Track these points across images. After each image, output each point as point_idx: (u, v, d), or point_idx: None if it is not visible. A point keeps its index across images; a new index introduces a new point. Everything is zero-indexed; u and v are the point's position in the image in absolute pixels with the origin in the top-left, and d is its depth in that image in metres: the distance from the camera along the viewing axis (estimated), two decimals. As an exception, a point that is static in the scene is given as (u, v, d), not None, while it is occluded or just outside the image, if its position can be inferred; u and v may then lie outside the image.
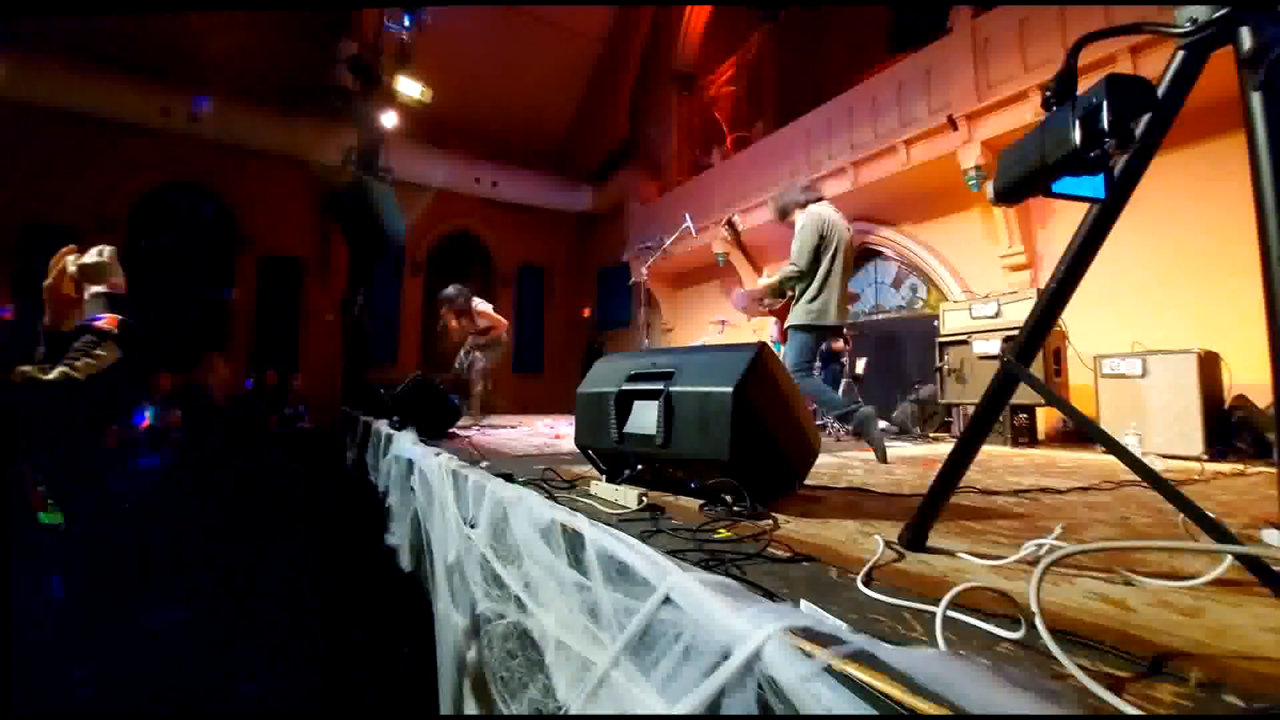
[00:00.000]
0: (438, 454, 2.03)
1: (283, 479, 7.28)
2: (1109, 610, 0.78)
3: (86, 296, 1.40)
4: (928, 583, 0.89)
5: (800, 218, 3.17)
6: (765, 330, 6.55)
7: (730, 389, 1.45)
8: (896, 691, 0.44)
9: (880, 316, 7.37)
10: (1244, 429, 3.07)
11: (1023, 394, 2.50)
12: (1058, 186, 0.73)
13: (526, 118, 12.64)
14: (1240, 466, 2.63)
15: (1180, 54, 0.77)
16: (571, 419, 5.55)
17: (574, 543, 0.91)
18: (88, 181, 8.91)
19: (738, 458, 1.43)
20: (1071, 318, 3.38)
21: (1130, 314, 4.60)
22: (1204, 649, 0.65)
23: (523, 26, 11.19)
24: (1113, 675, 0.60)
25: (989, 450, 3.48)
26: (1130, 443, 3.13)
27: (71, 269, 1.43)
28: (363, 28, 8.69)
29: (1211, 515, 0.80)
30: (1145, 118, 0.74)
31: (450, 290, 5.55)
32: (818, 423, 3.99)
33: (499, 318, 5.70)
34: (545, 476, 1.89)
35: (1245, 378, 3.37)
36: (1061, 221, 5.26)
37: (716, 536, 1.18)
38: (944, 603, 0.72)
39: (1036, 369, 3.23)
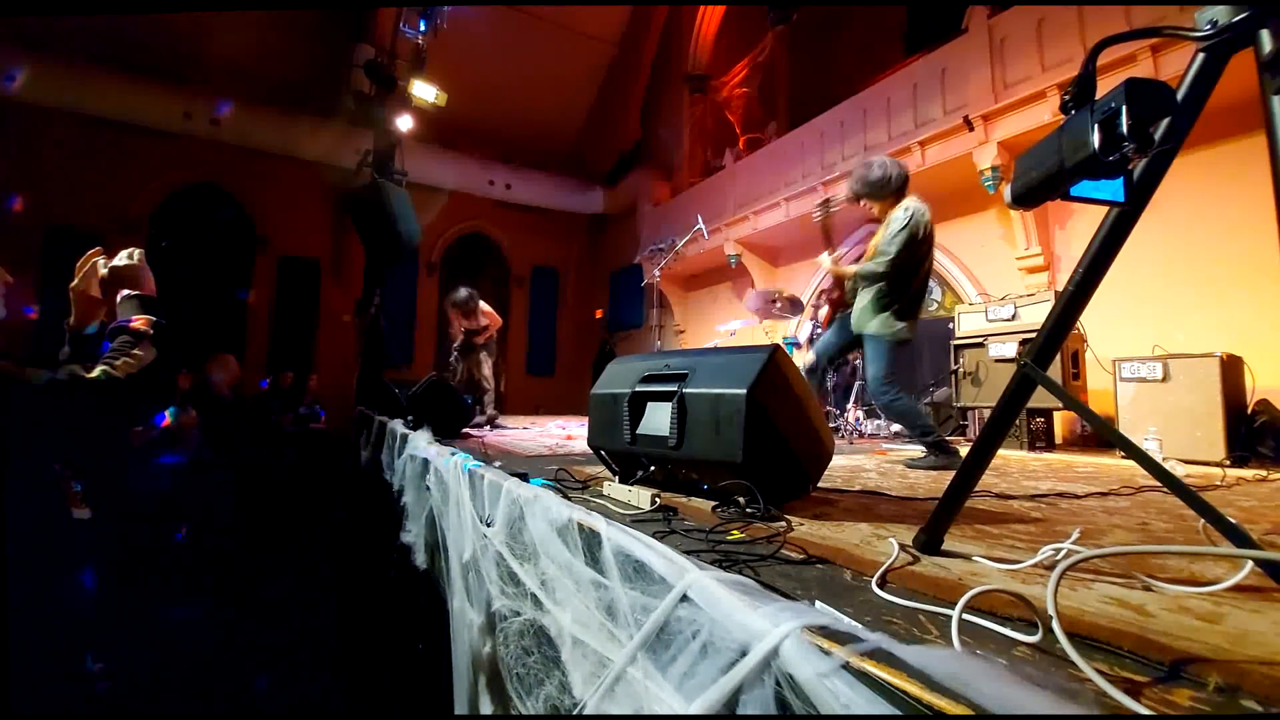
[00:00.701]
0: (453, 453, 2.05)
1: (297, 477, 7.37)
2: (1127, 615, 0.77)
3: (119, 299, 1.43)
4: (943, 586, 0.88)
5: (901, 214, 2.78)
6: (776, 334, 6.53)
7: (744, 391, 1.45)
8: (914, 689, 0.44)
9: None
10: (1267, 434, 3.01)
11: (1040, 398, 2.48)
12: (1076, 190, 0.73)
13: (540, 120, 12.71)
14: (1263, 472, 2.58)
15: (1200, 57, 0.77)
16: (583, 420, 5.59)
17: (590, 541, 0.93)
18: (110, 184, 9.10)
19: (751, 460, 1.44)
20: (1090, 321, 3.35)
21: (1150, 317, 4.53)
22: (1223, 654, 0.65)
23: (536, 30, 11.27)
24: (1130, 680, 0.60)
25: (1005, 454, 3.44)
26: (1150, 448, 3.09)
27: (102, 271, 1.46)
28: (378, 33, 8.80)
29: (1233, 520, 0.80)
30: (1165, 121, 0.74)
31: (463, 293, 5.62)
32: (831, 425, 3.97)
33: (496, 316, 5.85)
34: (558, 477, 1.91)
35: (1268, 382, 3.31)
36: (1080, 222, 5.19)
37: (730, 538, 1.19)
38: (960, 605, 0.72)
39: (1054, 372, 3.16)
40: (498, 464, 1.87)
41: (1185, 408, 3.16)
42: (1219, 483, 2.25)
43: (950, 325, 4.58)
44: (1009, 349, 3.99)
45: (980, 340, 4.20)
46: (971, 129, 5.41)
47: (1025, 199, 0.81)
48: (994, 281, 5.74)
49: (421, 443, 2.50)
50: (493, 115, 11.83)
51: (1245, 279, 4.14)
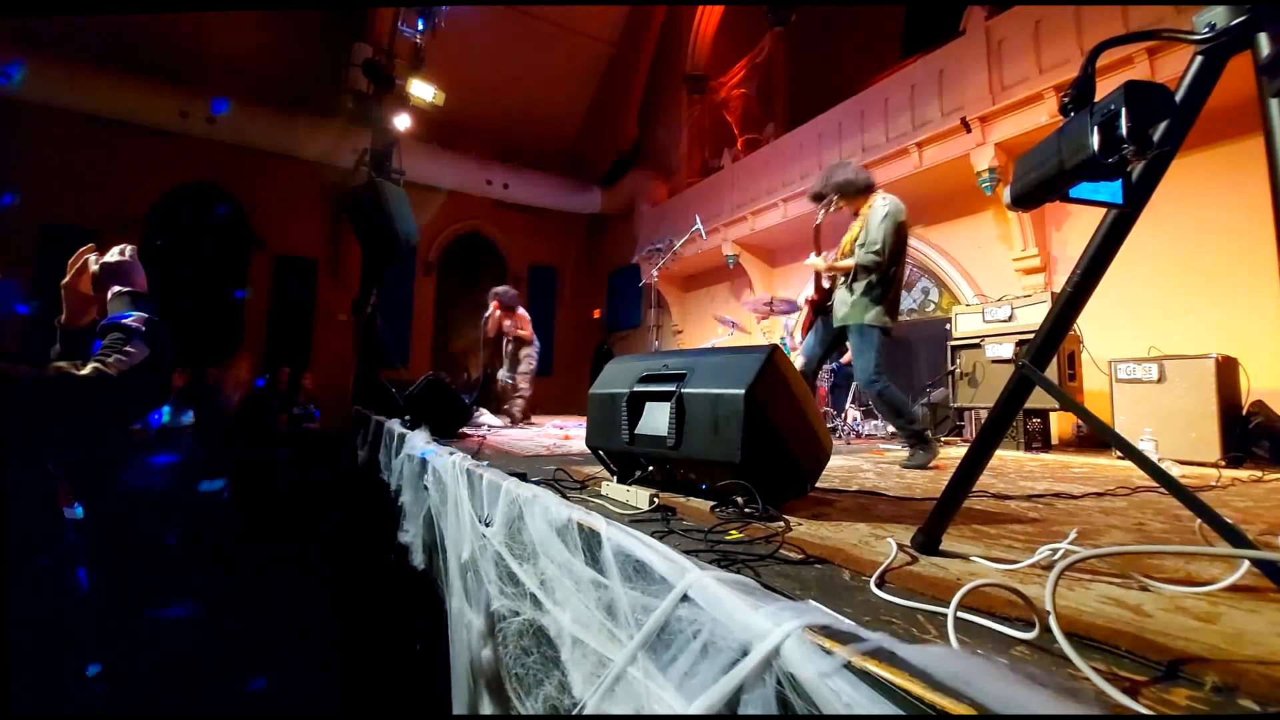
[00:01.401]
0: (451, 453, 2.05)
1: (293, 477, 7.36)
2: (1124, 615, 0.78)
3: (110, 295, 1.42)
4: (941, 586, 0.89)
5: (880, 203, 2.88)
6: (774, 333, 6.54)
7: (742, 391, 1.45)
8: (916, 688, 0.45)
9: (891, 319, 7.32)
10: (1262, 435, 3.03)
11: (1036, 399, 2.49)
12: (1075, 192, 0.73)
13: (538, 120, 12.70)
14: (1258, 473, 2.60)
15: (1198, 59, 0.77)
16: (580, 420, 5.58)
17: (590, 541, 0.93)
18: (106, 182, 9.07)
19: (749, 460, 1.44)
20: (1086, 322, 3.36)
21: (1146, 318, 4.55)
22: (1220, 654, 0.65)
23: (534, 29, 11.26)
24: (1128, 679, 0.60)
25: (1001, 455, 3.45)
26: (1146, 448, 3.10)
27: (93, 267, 1.45)
28: (376, 31, 8.78)
29: (1229, 521, 0.80)
30: (1163, 123, 0.74)
31: (510, 289, 5.90)
32: (829, 425, 3.97)
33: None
34: (556, 477, 1.90)
35: (1263, 383, 3.33)
36: (1076, 224, 5.21)
37: (728, 538, 1.19)
38: (955, 600, 0.72)
39: (1050, 373, 3.17)
40: (486, 464, 1.87)
41: (1181, 409, 3.18)
42: (1214, 483, 2.26)
43: (947, 326, 4.59)
44: (1006, 350, 4.00)
45: (977, 341, 4.21)
46: (969, 130, 5.43)
47: (1025, 200, 0.81)
48: (991, 282, 5.76)
49: (419, 442, 2.50)
50: (491, 115, 11.82)
51: (1241, 281, 4.16)
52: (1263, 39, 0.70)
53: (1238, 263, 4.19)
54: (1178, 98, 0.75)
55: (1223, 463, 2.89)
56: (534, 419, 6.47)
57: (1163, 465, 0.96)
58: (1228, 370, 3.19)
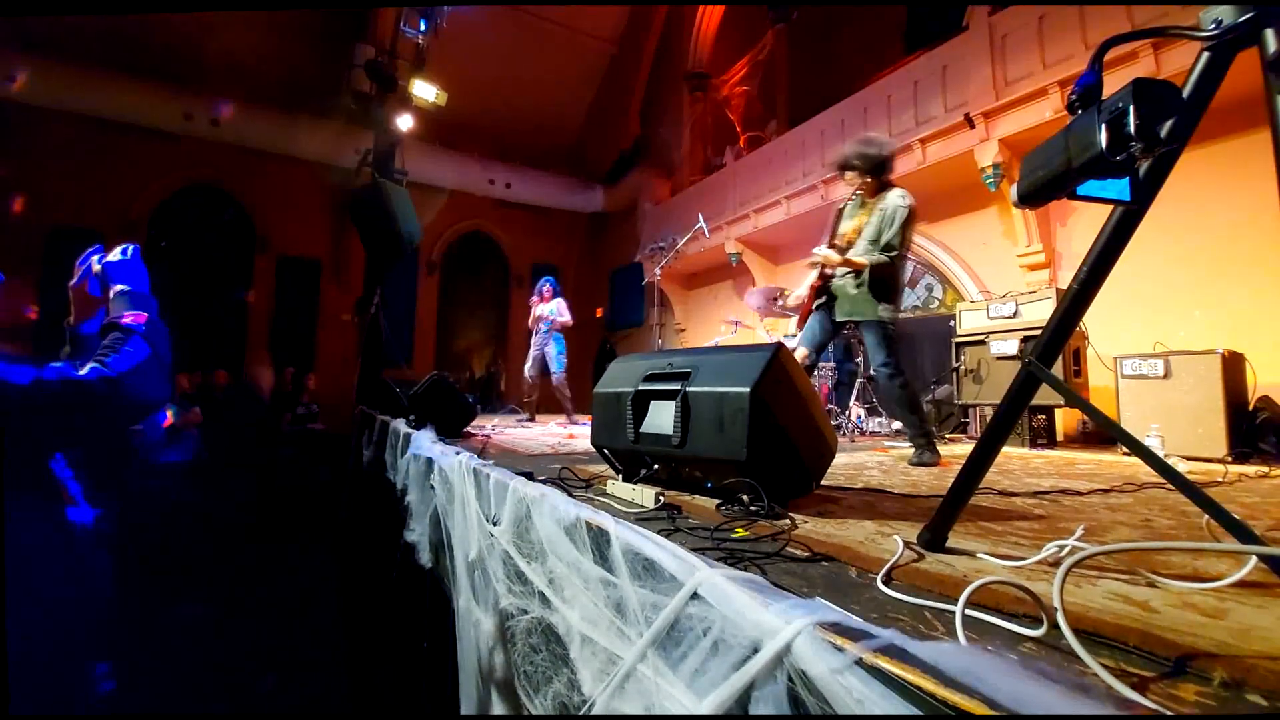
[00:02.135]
0: (458, 452, 2.06)
1: (298, 477, 7.39)
2: (1132, 611, 0.78)
3: (112, 295, 1.42)
4: (948, 583, 0.89)
5: (900, 200, 2.80)
6: (778, 330, 6.54)
7: (748, 389, 1.45)
8: (928, 684, 0.45)
9: (895, 316, 7.30)
10: (1268, 431, 3.02)
11: (1041, 395, 2.49)
12: (1083, 189, 0.73)
13: (540, 119, 12.71)
14: (1265, 469, 2.59)
15: (1205, 56, 0.77)
16: (583, 419, 5.58)
17: (599, 539, 0.93)
18: (111, 185, 9.11)
19: (755, 458, 1.44)
20: (1091, 318, 3.34)
21: (1152, 314, 4.54)
22: (1228, 649, 0.65)
23: (536, 28, 11.26)
24: (1136, 675, 0.60)
25: (1007, 452, 3.45)
26: (1152, 444, 3.09)
27: (96, 268, 1.46)
28: (379, 32, 8.79)
29: (1236, 517, 0.80)
30: (1170, 120, 0.74)
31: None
32: (833, 422, 3.97)
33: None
34: (561, 476, 1.91)
35: (1270, 378, 3.32)
36: (1081, 220, 5.19)
37: (734, 536, 1.20)
38: (963, 598, 0.72)
39: (1056, 370, 3.16)
40: (491, 463, 1.88)
41: (1187, 405, 3.17)
42: (1221, 479, 2.25)
43: (952, 323, 4.59)
44: (1010, 346, 3.99)
45: (982, 338, 4.20)
46: (973, 126, 5.41)
47: (1032, 198, 0.81)
48: (995, 279, 5.75)
49: (425, 442, 2.51)
50: (493, 114, 11.82)
51: (1247, 276, 4.14)
52: (1269, 35, 0.70)
53: (1243, 258, 4.17)
54: (1184, 94, 0.75)
55: (1229, 458, 2.88)
56: (538, 417, 6.50)
57: (1169, 461, 0.96)
58: (1234, 366, 3.17)
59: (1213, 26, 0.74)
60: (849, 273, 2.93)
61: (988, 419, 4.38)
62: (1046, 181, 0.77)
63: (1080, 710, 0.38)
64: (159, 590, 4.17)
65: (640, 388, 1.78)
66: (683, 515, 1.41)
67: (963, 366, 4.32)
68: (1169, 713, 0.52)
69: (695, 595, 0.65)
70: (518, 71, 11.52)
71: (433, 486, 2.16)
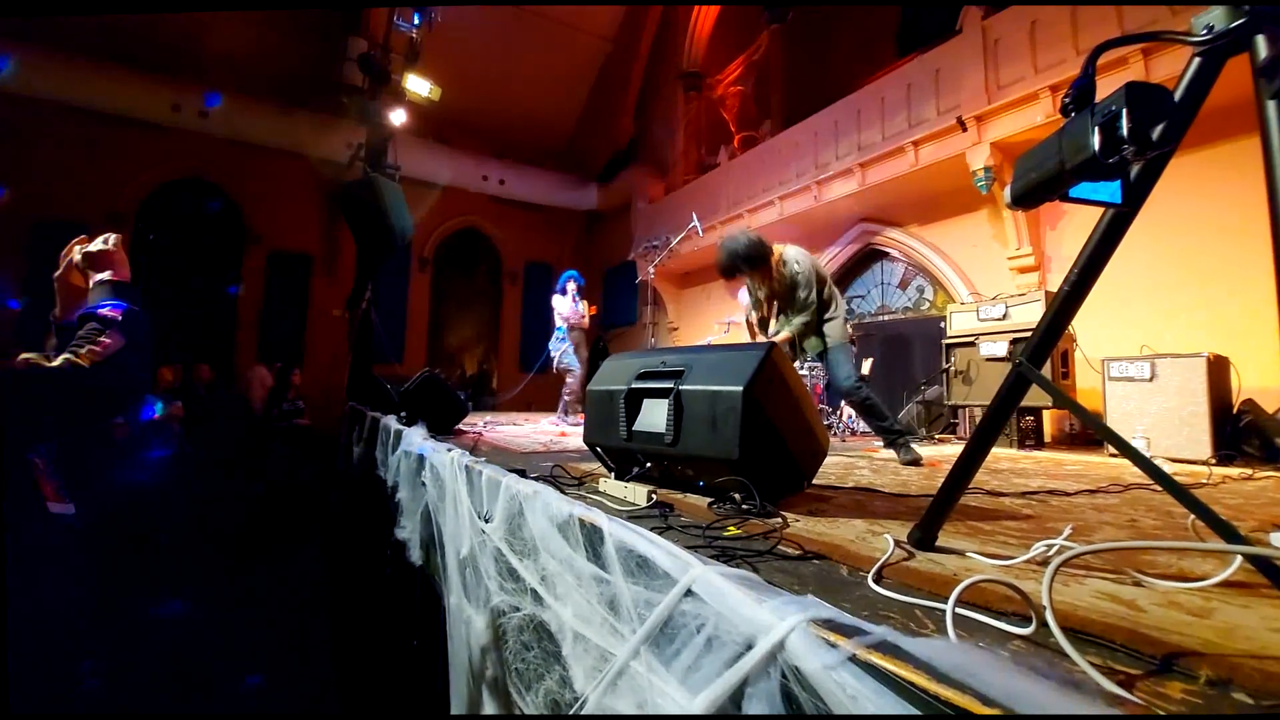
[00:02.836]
0: (449, 449, 2.05)
1: (285, 473, 7.33)
2: (1119, 610, 0.79)
3: (91, 284, 1.39)
4: (938, 581, 0.90)
5: (792, 260, 3.04)
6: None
7: (740, 388, 1.46)
8: (921, 680, 0.45)
9: (886, 317, 7.36)
10: (1252, 433, 3.06)
11: (1030, 397, 2.52)
12: (1075, 192, 0.74)
13: (534, 116, 12.66)
14: (1248, 470, 2.63)
15: (1196, 61, 0.78)
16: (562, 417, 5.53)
17: (592, 536, 0.93)
18: (97, 177, 8.97)
19: (747, 457, 1.44)
20: (1079, 321, 3.37)
21: (1138, 317, 4.59)
22: (1213, 648, 0.66)
23: (531, 25, 11.21)
24: (1123, 672, 0.61)
25: (995, 453, 3.47)
26: (1138, 446, 3.12)
27: (77, 257, 1.43)
28: (372, 26, 8.72)
29: (1222, 517, 0.81)
30: (1161, 124, 0.75)
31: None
32: (824, 422, 3.99)
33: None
34: (554, 473, 1.91)
35: (1254, 382, 3.37)
36: (1071, 223, 5.24)
37: (726, 534, 1.20)
38: (954, 595, 0.73)
39: (1044, 372, 3.20)
40: (482, 460, 1.87)
41: (1172, 407, 3.21)
42: (1205, 481, 2.28)
43: (942, 324, 4.62)
44: (1000, 348, 4.03)
45: (971, 339, 4.24)
46: (965, 129, 5.45)
47: (1025, 200, 0.82)
48: (985, 281, 5.79)
49: (417, 439, 2.49)
50: (487, 110, 11.77)
51: (1232, 280, 4.20)
52: (1260, 41, 0.71)
53: (1230, 262, 4.23)
54: (1176, 98, 0.76)
55: (1213, 460, 2.93)
56: (529, 415, 6.49)
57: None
58: (1219, 369, 3.22)
59: (1204, 32, 0.75)
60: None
61: (977, 420, 4.42)
62: (1040, 183, 0.78)
63: (1072, 706, 0.38)
64: (143, 587, 4.11)
65: (633, 386, 1.78)
66: (675, 513, 1.41)
67: (952, 368, 4.35)
68: (1161, 712, 0.52)
69: (689, 592, 0.65)
70: (512, 67, 11.47)
71: (424, 483, 2.15)
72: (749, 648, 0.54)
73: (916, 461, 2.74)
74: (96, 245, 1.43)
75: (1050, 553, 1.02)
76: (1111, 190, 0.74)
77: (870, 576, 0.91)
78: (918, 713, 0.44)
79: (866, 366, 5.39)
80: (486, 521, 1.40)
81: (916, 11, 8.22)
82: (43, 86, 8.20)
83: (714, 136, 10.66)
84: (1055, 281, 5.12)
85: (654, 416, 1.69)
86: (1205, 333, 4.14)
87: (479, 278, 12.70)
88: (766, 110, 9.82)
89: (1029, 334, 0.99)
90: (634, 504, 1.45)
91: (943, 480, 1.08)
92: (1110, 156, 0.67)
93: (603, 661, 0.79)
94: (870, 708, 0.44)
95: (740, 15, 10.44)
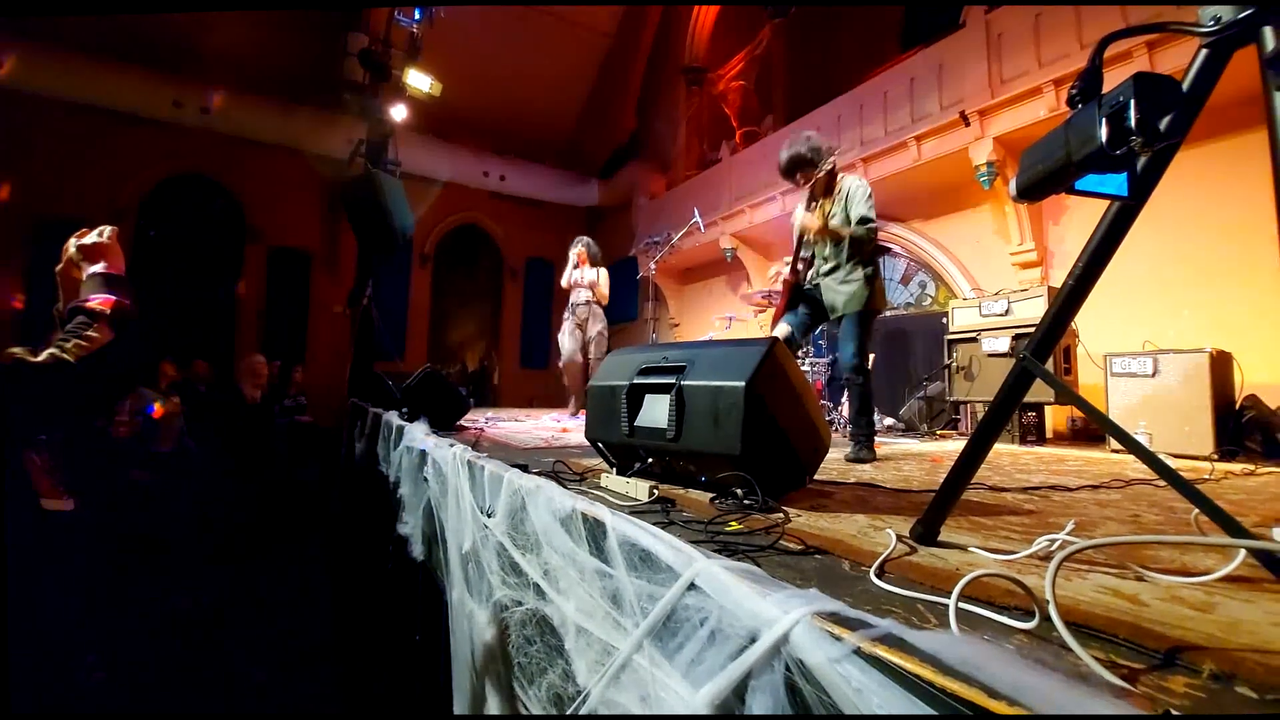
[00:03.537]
0: (451, 445, 2.05)
1: (288, 470, 7.34)
2: (1121, 604, 0.79)
3: (84, 277, 1.38)
4: (940, 576, 0.89)
5: (855, 179, 2.90)
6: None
7: (743, 384, 1.45)
8: (926, 672, 0.45)
9: (888, 312, 7.34)
10: (1254, 429, 3.06)
11: (1032, 392, 2.52)
12: (1081, 184, 0.74)
13: (535, 111, 12.62)
14: (1250, 466, 2.62)
15: (1203, 52, 0.77)
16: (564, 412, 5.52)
17: (595, 531, 0.93)
18: (99, 173, 8.96)
19: (749, 452, 1.44)
20: (1081, 316, 3.37)
21: (1141, 313, 4.58)
22: (1217, 642, 0.66)
23: (533, 21, 11.17)
24: (1126, 666, 0.60)
25: (997, 448, 3.44)
26: (1140, 441, 3.12)
27: (71, 250, 1.42)
28: (373, 22, 8.69)
29: (1226, 511, 0.81)
30: (1168, 116, 0.74)
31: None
32: (826, 417, 3.99)
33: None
34: (556, 469, 1.91)
35: (1257, 377, 3.36)
36: (1073, 218, 5.23)
37: (728, 529, 1.20)
38: (957, 590, 0.73)
39: (1047, 367, 3.18)
40: (484, 455, 1.87)
41: (1175, 403, 3.20)
42: (1207, 476, 2.28)
43: (944, 320, 4.61)
44: (1002, 344, 4.02)
45: (974, 335, 4.23)
46: (968, 124, 5.43)
47: (1031, 192, 0.81)
48: (988, 276, 5.78)
49: (419, 434, 2.49)
50: (488, 106, 11.74)
51: (1235, 276, 4.19)
52: (1268, 33, 0.70)
53: (1233, 258, 4.22)
54: (1183, 90, 0.75)
55: (1215, 456, 2.92)
56: (531, 410, 6.49)
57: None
58: (1222, 364, 3.21)
59: (1211, 23, 0.75)
60: (832, 269, 2.92)
61: (979, 416, 4.42)
62: (1046, 175, 0.77)
63: (1080, 699, 0.38)
64: (146, 582, 4.13)
65: (635, 381, 1.78)
66: (677, 509, 1.41)
67: (955, 363, 4.34)
68: (1168, 707, 0.52)
69: (693, 585, 0.65)
70: (513, 63, 11.44)
71: (426, 479, 2.15)
72: (753, 641, 0.54)
73: (862, 461, 2.62)
74: (90, 238, 1.42)
75: (1053, 547, 1.02)
76: (1118, 183, 0.73)
77: (872, 571, 0.91)
78: (925, 707, 0.44)
79: (869, 362, 5.38)
80: (489, 516, 1.40)
81: (919, 6, 8.18)
82: (44, 83, 8.19)
83: (716, 132, 10.63)
84: (1058, 277, 5.11)
85: (656, 412, 1.69)
86: (1208, 328, 4.13)
87: (480, 274, 12.69)
88: (769, 105, 9.79)
89: (1031, 329, 0.98)
90: (636, 499, 1.45)
91: (945, 476, 1.08)
92: (1118, 148, 0.67)
93: (606, 655, 0.79)
94: (876, 700, 0.44)
95: (742, 10, 10.40)
